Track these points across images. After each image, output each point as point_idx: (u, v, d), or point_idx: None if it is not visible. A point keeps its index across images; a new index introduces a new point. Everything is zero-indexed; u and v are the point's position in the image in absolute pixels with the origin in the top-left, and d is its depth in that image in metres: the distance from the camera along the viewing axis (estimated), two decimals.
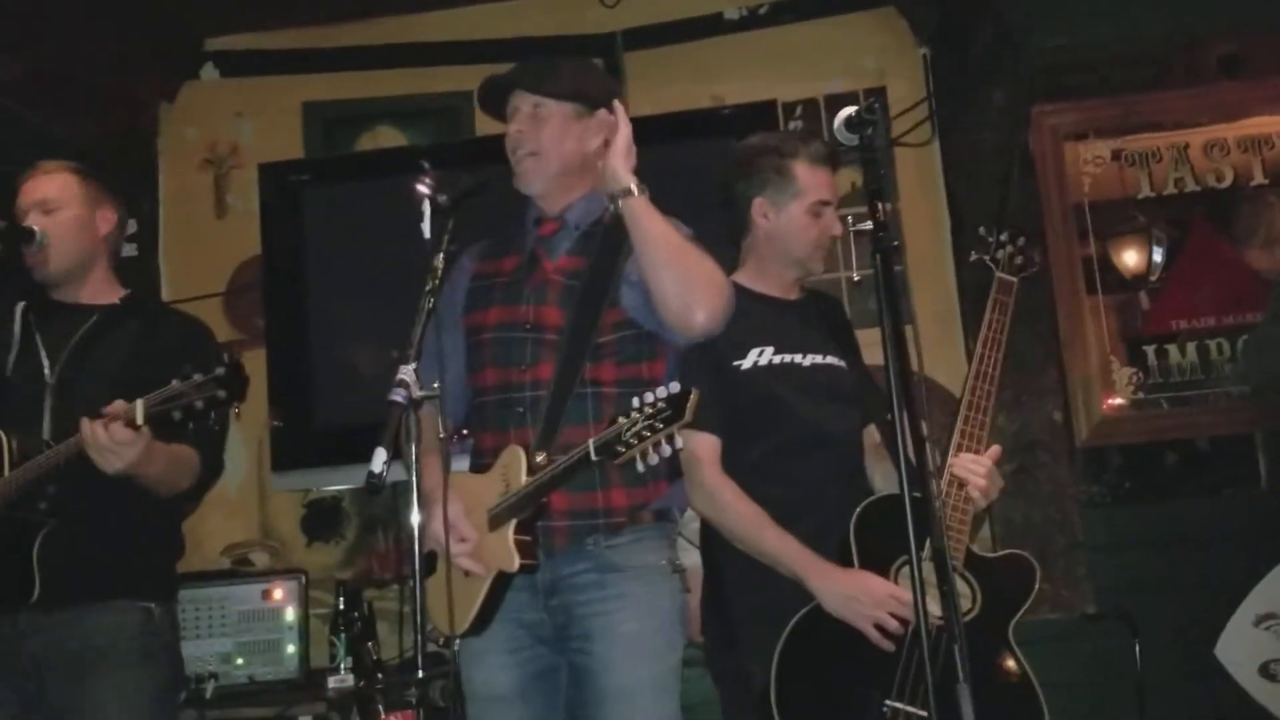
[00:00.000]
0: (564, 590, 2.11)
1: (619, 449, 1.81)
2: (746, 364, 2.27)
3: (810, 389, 2.29)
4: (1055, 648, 2.72)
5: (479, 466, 2.13)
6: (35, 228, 2.42)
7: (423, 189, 2.10)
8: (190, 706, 2.79)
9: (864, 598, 2.07)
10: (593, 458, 1.86)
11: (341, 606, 3.19)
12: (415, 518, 1.88)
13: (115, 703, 2.29)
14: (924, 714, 1.94)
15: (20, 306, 2.46)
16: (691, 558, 2.35)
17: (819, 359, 2.33)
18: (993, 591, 2.16)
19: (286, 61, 3.83)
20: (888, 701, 2.02)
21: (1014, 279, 2.37)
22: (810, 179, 2.32)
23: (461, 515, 2.03)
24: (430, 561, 2.13)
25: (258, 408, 3.39)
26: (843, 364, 2.35)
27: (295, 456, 3.40)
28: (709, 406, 2.16)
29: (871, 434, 2.39)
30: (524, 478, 2.02)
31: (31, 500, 2.24)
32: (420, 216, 2.09)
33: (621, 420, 1.81)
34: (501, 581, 2.04)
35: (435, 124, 3.72)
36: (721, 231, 2.95)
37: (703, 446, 2.21)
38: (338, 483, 3.45)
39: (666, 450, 1.78)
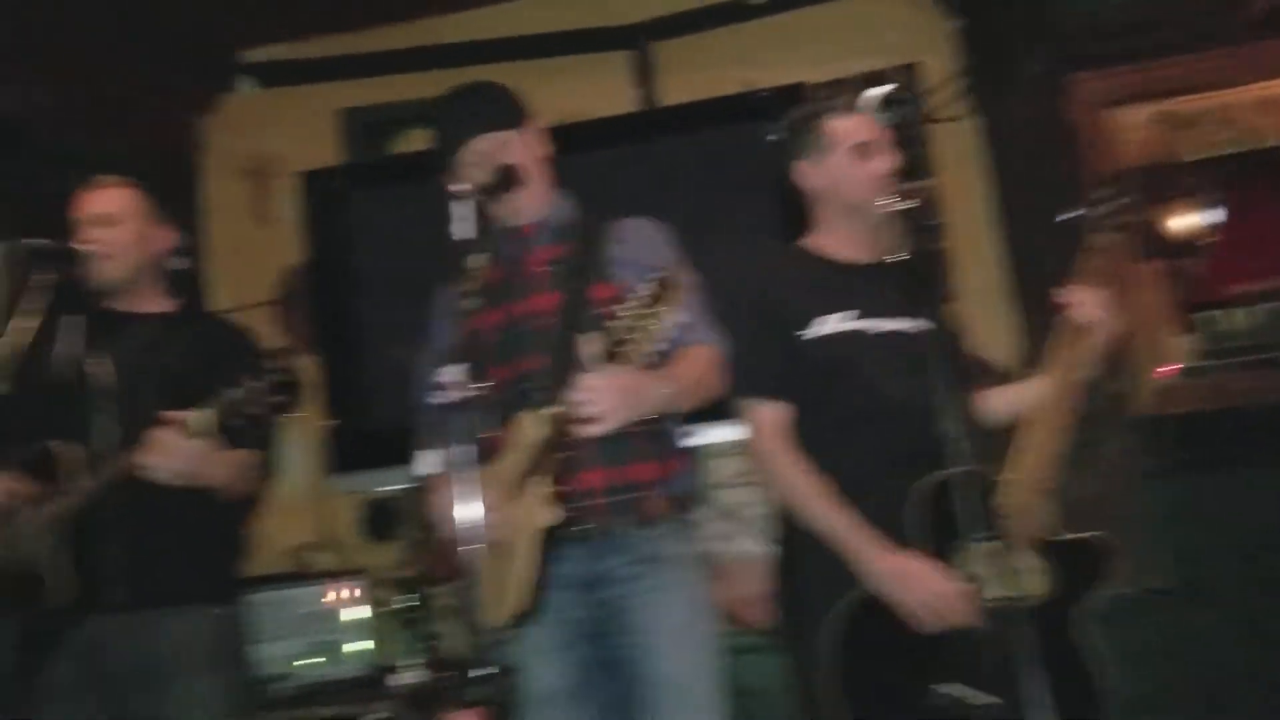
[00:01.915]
0: (605, 585, 2.15)
1: (619, 349, 1.86)
2: (812, 333, 2.23)
3: (883, 357, 2.21)
4: (1120, 622, 2.69)
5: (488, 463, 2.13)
6: (83, 248, 2.47)
7: (458, 186, 2.13)
8: (261, 707, 2.84)
9: (909, 581, 2.05)
10: (594, 366, 1.90)
11: (402, 605, 3.26)
12: (463, 514, 1.89)
13: (194, 708, 2.35)
14: (982, 698, 1.94)
15: (78, 318, 2.53)
16: (741, 546, 2.37)
17: (895, 325, 2.25)
18: (1066, 574, 2.08)
19: (321, 69, 3.88)
20: (942, 688, 2.00)
21: (1117, 237, 2.24)
22: (843, 126, 2.31)
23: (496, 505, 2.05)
24: (464, 573, 2.17)
25: (311, 411, 3.45)
26: (924, 329, 2.19)
27: (350, 459, 3.47)
28: (770, 375, 2.21)
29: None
30: (539, 435, 2.05)
31: (101, 509, 2.29)
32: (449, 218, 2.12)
33: (612, 324, 1.86)
34: (544, 544, 2.04)
35: (434, 133, 3.74)
36: (754, 214, 2.96)
37: (763, 416, 2.23)
38: (392, 483, 3.49)
39: (668, 329, 1.84)
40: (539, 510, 2.03)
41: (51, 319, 2.49)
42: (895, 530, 2.10)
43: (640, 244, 2.29)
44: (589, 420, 1.94)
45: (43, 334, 2.41)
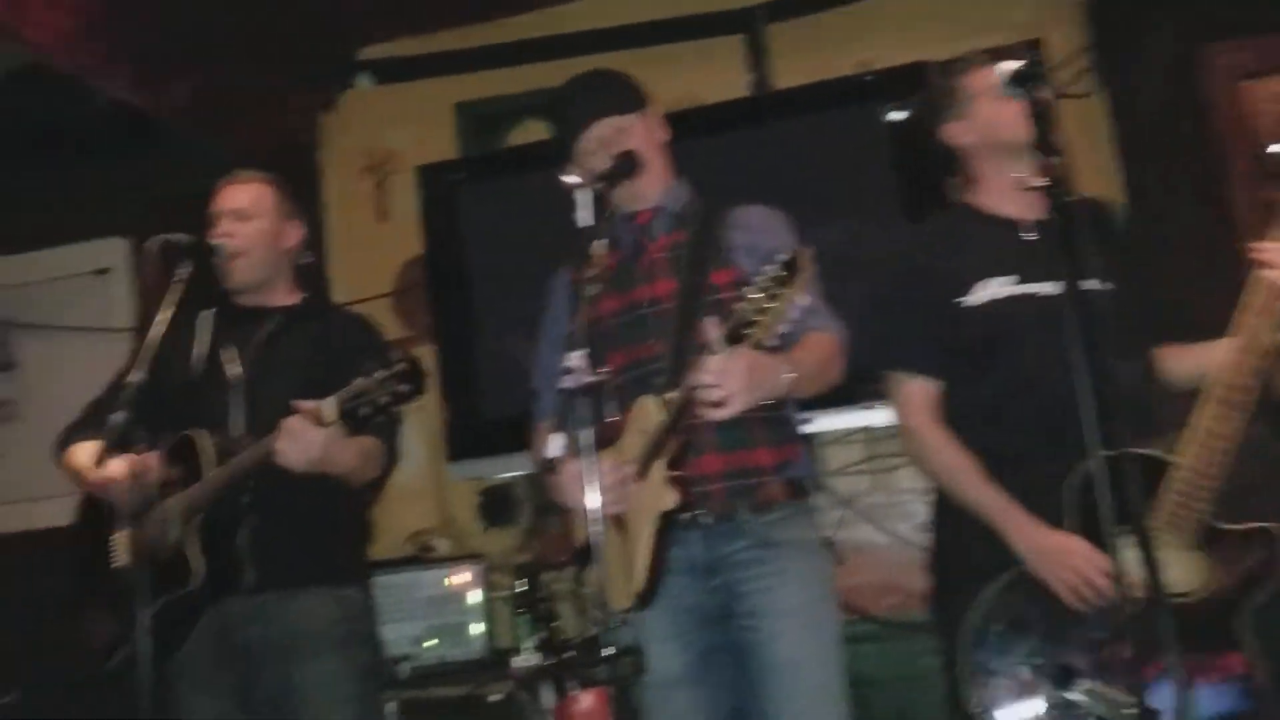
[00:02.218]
0: (724, 569, 2.15)
1: (744, 331, 1.83)
2: (971, 300, 2.13)
3: (1043, 325, 2.01)
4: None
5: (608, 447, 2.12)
6: (219, 244, 2.55)
7: (571, 178, 2.14)
8: (387, 687, 2.92)
9: (1065, 560, 1.96)
10: (717, 349, 1.87)
11: (521, 589, 3.30)
12: (591, 500, 1.90)
13: (323, 687, 2.41)
14: (1121, 696, 1.85)
15: (208, 313, 2.61)
16: (860, 533, 2.34)
17: (1055, 289, 2.00)
18: (1229, 569, 1.94)
19: (437, 64, 3.93)
20: (1085, 682, 1.92)
21: None
22: (980, 77, 2.19)
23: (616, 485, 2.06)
24: (585, 555, 2.18)
25: (430, 401, 3.51)
26: (1095, 290, 1.99)
27: (468, 446, 3.52)
28: (923, 348, 2.16)
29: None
30: (659, 419, 2.05)
31: (234, 495, 2.37)
32: (573, 205, 2.13)
33: (738, 306, 1.84)
34: (664, 529, 2.05)
35: (551, 121, 3.75)
36: (871, 198, 2.90)
37: (913, 391, 2.18)
38: (509, 470, 3.54)
39: (794, 314, 1.80)
40: (659, 494, 2.03)
41: (187, 312, 2.58)
42: (1049, 511, 1.99)
43: (760, 230, 2.27)
44: (712, 404, 1.92)
45: (179, 326, 2.50)
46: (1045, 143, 1.75)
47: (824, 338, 2.16)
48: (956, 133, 2.25)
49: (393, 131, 3.94)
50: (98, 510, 2.51)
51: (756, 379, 1.94)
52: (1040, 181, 1.72)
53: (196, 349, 2.56)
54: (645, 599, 2.05)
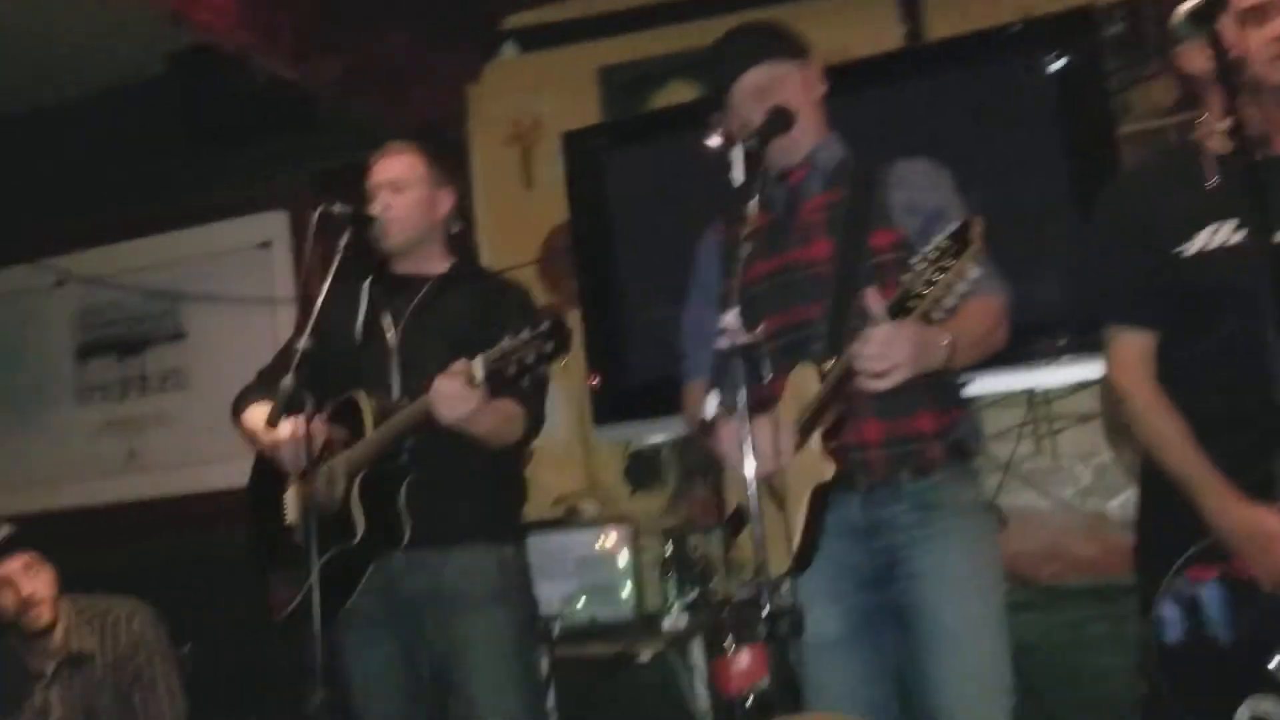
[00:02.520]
0: (885, 532, 2.11)
1: (910, 303, 1.77)
2: (1193, 248, 1.97)
3: (1270, 277, 1.82)
4: None
5: (764, 411, 2.07)
6: (375, 213, 2.62)
7: (713, 142, 2.12)
8: (541, 643, 2.98)
9: (1262, 539, 1.84)
10: (882, 321, 1.83)
11: (669, 552, 3.32)
12: (747, 464, 1.88)
13: (483, 640, 2.48)
14: None
15: (366, 281, 2.69)
16: (1022, 499, 2.27)
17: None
18: None
19: (580, 29, 3.93)
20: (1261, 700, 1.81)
21: None
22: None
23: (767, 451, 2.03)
24: (739, 517, 2.17)
25: (576, 365, 3.55)
26: None
27: (615, 410, 3.55)
28: (1136, 300, 2.04)
29: None
30: (818, 388, 2.01)
31: (394, 454, 2.44)
32: (727, 165, 2.10)
33: (905, 277, 1.77)
34: (819, 499, 2.02)
35: (706, 77, 3.68)
36: (1033, 152, 2.78)
37: (1124, 346, 2.06)
38: (656, 434, 3.56)
39: (962, 288, 1.72)
40: (817, 465, 2.00)
41: (348, 280, 2.66)
42: (1258, 484, 1.84)
43: (921, 187, 2.18)
44: (875, 375, 1.87)
45: (340, 294, 2.58)
46: (1231, 85, 1.64)
47: (989, 303, 2.07)
48: (1192, 56, 1.95)
49: (538, 99, 3.96)
50: (270, 470, 2.62)
51: (920, 352, 1.88)
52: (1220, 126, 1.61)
53: (358, 316, 2.65)
54: (801, 565, 2.02)
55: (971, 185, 2.25)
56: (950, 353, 1.95)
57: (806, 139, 2.24)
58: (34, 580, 2.90)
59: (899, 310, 1.81)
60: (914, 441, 2.10)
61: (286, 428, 2.41)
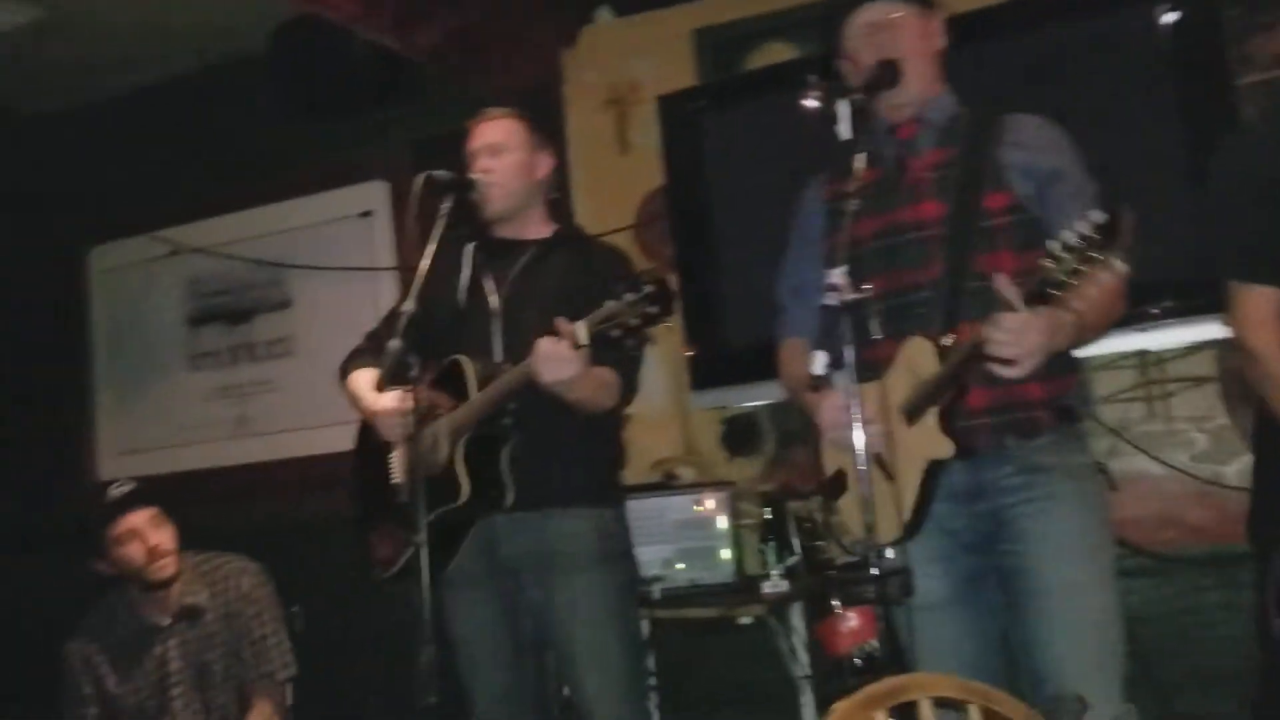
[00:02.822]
0: (989, 494, 2.07)
1: (1049, 293, 1.71)
2: None
3: None
4: None
5: (871, 378, 2.04)
6: (476, 177, 2.65)
7: (811, 102, 2.08)
8: (641, 605, 3.00)
9: None
10: (1018, 308, 1.78)
11: (767, 517, 3.32)
12: (856, 430, 1.86)
13: (584, 599, 2.52)
14: None
15: (469, 246, 2.72)
16: (1134, 464, 2.22)
17: None
18: None
19: None
20: None
21: None
22: None
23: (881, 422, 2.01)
24: (840, 481, 2.16)
25: (673, 330, 3.55)
26: None
27: (711, 375, 3.54)
28: (1263, 256, 1.98)
29: None
30: (935, 365, 1.97)
31: (497, 418, 2.48)
32: (827, 125, 2.07)
33: (1045, 264, 1.71)
34: (932, 474, 2.01)
35: (824, 31, 3.63)
36: (1148, 107, 2.68)
37: (1252, 302, 2.01)
38: (752, 399, 3.54)
39: (1106, 279, 1.66)
40: (933, 441, 1.98)
41: (450, 245, 2.70)
42: None
43: (1037, 147, 2.12)
44: (1004, 363, 1.84)
45: (443, 259, 2.61)
46: None
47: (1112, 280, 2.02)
48: None
49: (633, 63, 3.94)
50: (377, 432, 2.68)
51: (1053, 340, 1.85)
52: None
53: (461, 280, 2.68)
54: (910, 535, 2.01)
55: (1081, 141, 2.18)
56: (1078, 333, 1.92)
57: (919, 92, 2.18)
58: (159, 532, 3.01)
59: (1036, 299, 1.76)
60: (1021, 409, 2.06)
61: (389, 399, 2.46)
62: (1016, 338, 1.81)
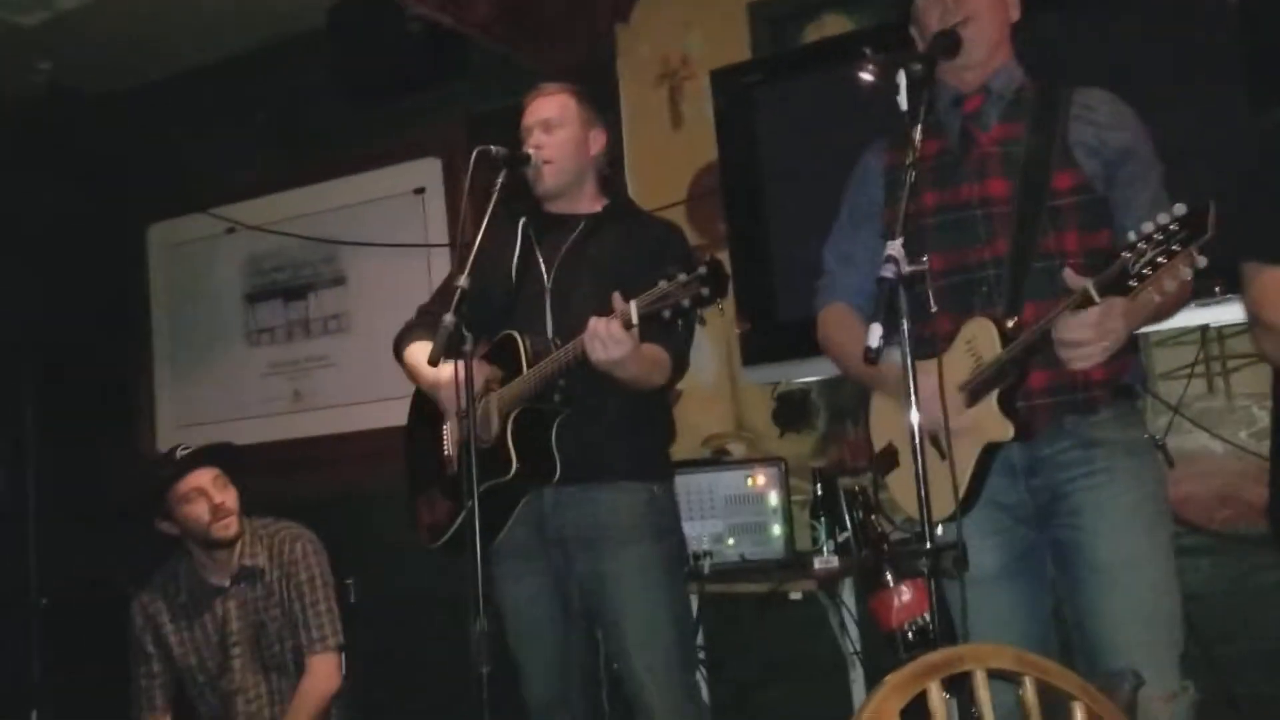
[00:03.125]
0: (1046, 469, 2.06)
1: (1129, 283, 1.69)
2: None
3: None
4: None
5: (927, 353, 2.02)
6: (530, 152, 2.65)
7: (867, 75, 2.06)
8: (691, 580, 3.01)
9: None
10: (1095, 299, 1.75)
11: (819, 493, 3.31)
12: (912, 407, 1.84)
13: (633, 573, 2.53)
14: None
15: (522, 221, 2.73)
16: (1193, 441, 2.19)
17: None
18: None
19: None
20: None
21: None
22: None
23: (933, 396, 2.00)
24: (891, 457, 2.15)
25: (725, 305, 3.53)
26: None
27: (763, 351, 3.52)
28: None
29: None
30: (998, 348, 1.96)
31: (547, 393, 2.49)
32: (884, 97, 2.05)
33: (1125, 254, 1.69)
34: (988, 455, 2.01)
35: (882, 2, 3.58)
36: (1210, 83, 2.62)
37: (1271, 282, 1.96)
38: (805, 375, 3.53)
39: (1186, 274, 1.64)
40: (994, 423, 1.97)
41: (504, 220, 2.71)
42: None
43: (1103, 124, 2.08)
44: (1081, 354, 1.83)
45: (497, 233, 2.63)
46: None
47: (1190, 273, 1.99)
48: None
49: (687, 37, 3.92)
50: (429, 405, 2.71)
51: (1126, 331, 1.84)
52: None
53: (514, 255, 2.69)
54: (964, 512, 1.99)
55: (1146, 113, 2.15)
56: (1150, 321, 1.90)
57: (987, 62, 2.15)
58: (224, 492, 3.07)
59: (1113, 288, 1.74)
60: (1081, 390, 2.05)
61: (446, 371, 2.49)
62: (1095, 331, 1.81)
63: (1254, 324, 1.99)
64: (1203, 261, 1.66)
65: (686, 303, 2.15)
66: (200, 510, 3.03)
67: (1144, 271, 1.68)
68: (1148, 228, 1.68)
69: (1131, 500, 2.03)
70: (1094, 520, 2.02)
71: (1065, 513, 2.06)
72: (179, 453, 3.12)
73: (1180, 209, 1.65)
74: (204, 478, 3.06)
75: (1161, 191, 2.05)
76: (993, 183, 2.11)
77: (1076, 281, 1.81)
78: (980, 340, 2.01)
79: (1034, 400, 2.04)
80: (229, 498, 3.07)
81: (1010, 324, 1.98)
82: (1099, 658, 2.00)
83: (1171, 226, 1.65)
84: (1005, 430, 1.97)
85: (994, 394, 1.99)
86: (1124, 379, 2.10)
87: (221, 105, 4.66)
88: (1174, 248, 1.65)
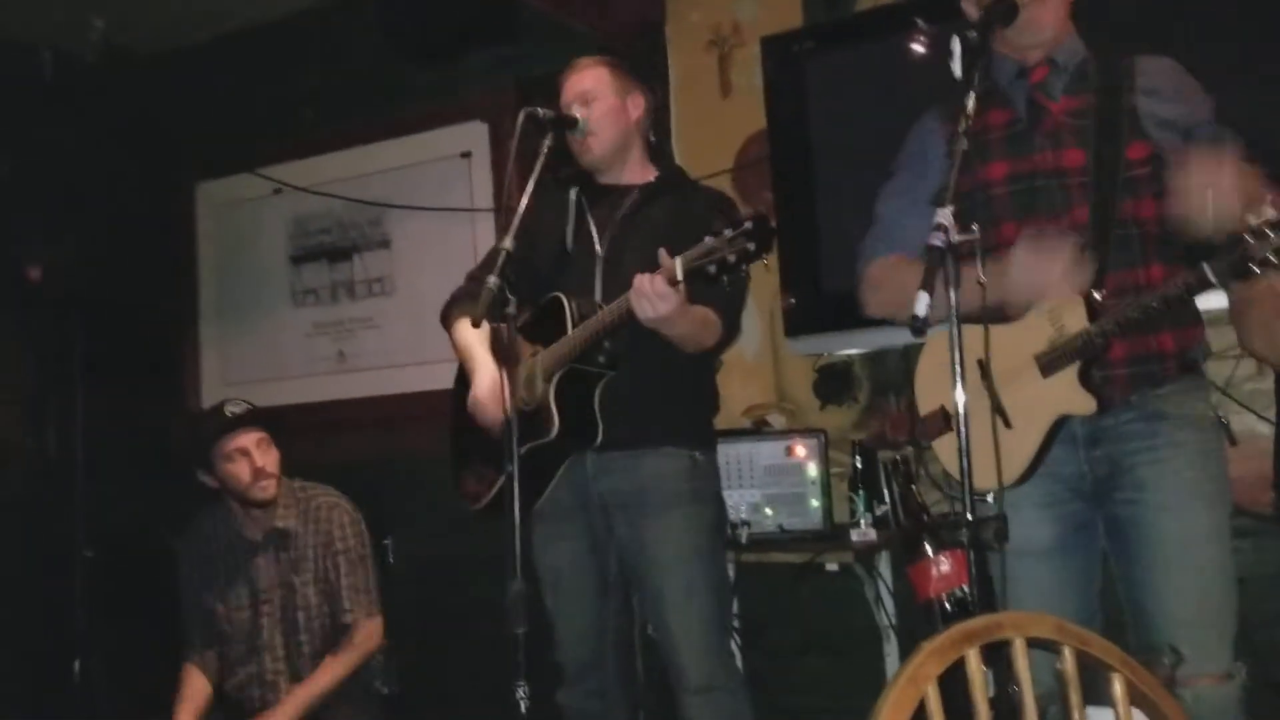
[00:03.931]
0: (1108, 440, 2.04)
1: (1250, 267, 1.70)
2: None
3: None
4: None
5: (995, 318, 2.01)
6: (579, 115, 2.65)
7: (918, 47, 2.03)
8: (729, 548, 3.02)
9: None
10: (1212, 281, 1.78)
11: (859, 465, 3.30)
12: (958, 381, 1.82)
13: (672, 538, 2.54)
14: None
15: (574, 190, 2.73)
16: (1241, 422, 2.16)
17: None
18: None
19: None
20: None
21: None
22: None
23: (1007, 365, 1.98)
24: (943, 420, 2.13)
25: (770, 277, 3.52)
26: None
27: (807, 322, 3.50)
28: None
29: None
30: (1084, 320, 1.95)
31: (591, 355, 2.49)
32: (939, 67, 2.02)
33: (1253, 242, 1.69)
34: (1056, 428, 2.00)
35: None
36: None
37: None
38: (847, 347, 3.51)
39: None
40: (1071, 396, 1.97)
41: (553, 187, 2.71)
42: None
43: (1174, 98, 2.06)
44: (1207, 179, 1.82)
45: (544, 199, 2.63)
46: None
47: None
48: None
49: (738, 3, 3.87)
50: None
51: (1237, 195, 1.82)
52: None
53: (567, 223, 2.70)
54: (1023, 481, 2.00)
55: (1209, 87, 2.12)
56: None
57: (1052, 31, 2.13)
58: (266, 455, 3.11)
59: (1236, 273, 1.74)
60: (1156, 361, 2.04)
61: (490, 387, 2.50)
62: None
63: None
64: None
65: (732, 258, 2.14)
66: (242, 470, 3.07)
67: (1269, 258, 1.69)
68: (1270, 214, 1.67)
69: (1195, 477, 2.02)
70: (1157, 495, 2.01)
71: (1129, 486, 2.04)
72: (228, 409, 3.15)
73: None
74: (249, 439, 3.10)
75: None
76: (1068, 153, 2.10)
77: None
78: (1064, 311, 1.99)
79: (1112, 370, 2.03)
80: (270, 461, 3.11)
81: (1098, 296, 1.97)
82: (1154, 635, 1.99)
83: None
84: (1088, 404, 1.96)
85: (1075, 366, 1.97)
86: (1192, 352, 2.09)
87: (273, 66, 4.68)
88: None
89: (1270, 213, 1.65)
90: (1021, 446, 1.95)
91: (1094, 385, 1.96)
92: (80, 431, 4.20)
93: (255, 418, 3.15)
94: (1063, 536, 2.09)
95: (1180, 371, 2.06)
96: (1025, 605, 1.87)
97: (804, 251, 3.50)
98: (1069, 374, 1.97)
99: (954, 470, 2.06)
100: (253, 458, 3.08)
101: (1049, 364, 2.00)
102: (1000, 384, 1.92)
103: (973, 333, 1.87)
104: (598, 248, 2.65)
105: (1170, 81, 2.09)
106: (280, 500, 3.14)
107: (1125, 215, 2.05)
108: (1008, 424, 1.97)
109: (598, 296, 2.59)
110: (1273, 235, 1.65)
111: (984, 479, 1.86)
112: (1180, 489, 2.00)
